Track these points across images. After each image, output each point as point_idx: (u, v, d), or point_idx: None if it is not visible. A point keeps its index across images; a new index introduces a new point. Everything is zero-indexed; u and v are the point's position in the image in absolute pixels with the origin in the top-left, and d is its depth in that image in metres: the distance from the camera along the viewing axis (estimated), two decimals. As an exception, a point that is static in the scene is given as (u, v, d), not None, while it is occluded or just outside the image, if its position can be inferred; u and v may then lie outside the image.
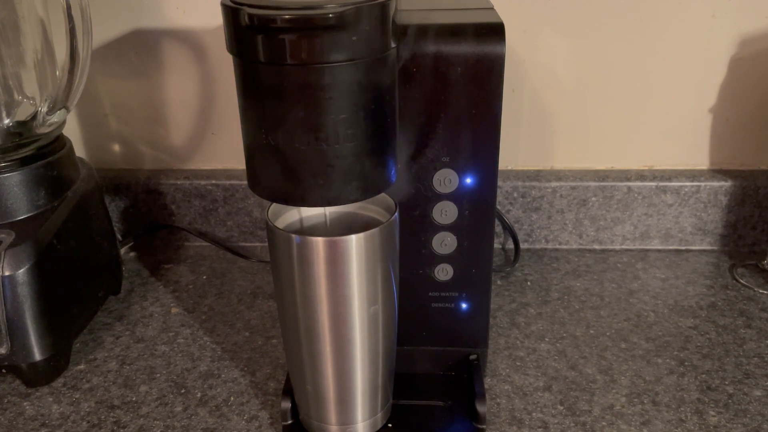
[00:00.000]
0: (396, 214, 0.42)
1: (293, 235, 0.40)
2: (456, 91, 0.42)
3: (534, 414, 0.51)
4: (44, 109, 0.57)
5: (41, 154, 0.57)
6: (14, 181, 0.54)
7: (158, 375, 0.57)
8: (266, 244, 0.77)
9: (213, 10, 0.69)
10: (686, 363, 0.56)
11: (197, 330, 0.62)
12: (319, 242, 0.39)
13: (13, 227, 0.54)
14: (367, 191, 0.39)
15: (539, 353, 0.58)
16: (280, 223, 0.44)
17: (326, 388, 0.45)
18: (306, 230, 0.46)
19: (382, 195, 0.44)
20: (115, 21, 0.70)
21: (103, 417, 0.52)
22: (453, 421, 0.49)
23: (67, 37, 0.54)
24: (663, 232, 0.74)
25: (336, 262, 0.40)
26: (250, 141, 0.39)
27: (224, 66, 0.72)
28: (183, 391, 0.55)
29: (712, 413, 0.51)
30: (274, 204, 0.43)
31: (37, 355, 0.53)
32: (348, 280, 0.41)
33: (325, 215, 0.46)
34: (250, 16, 0.33)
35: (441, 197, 0.46)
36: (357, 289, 0.41)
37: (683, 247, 0.74)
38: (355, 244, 0.40)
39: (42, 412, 0.53)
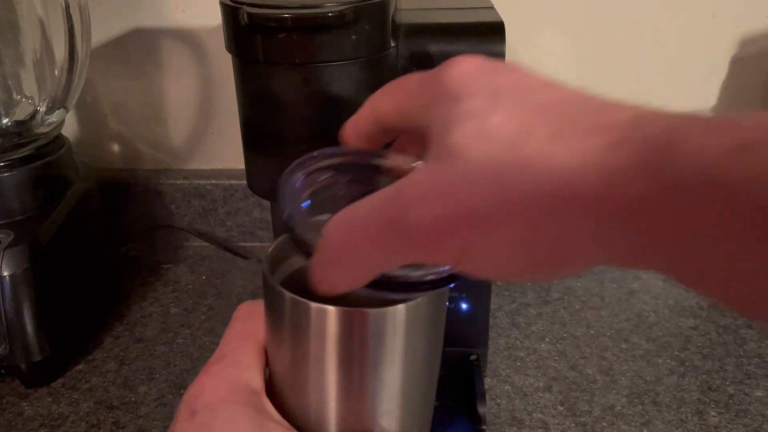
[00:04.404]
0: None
1: (303, 301, 0.26)
2: (456, 90, 0.42)
3: (534, 414, 0.51)
4: (43, 109, 0.57)
5: (40, 154, 0.56)
6: (13, 181, 0.54)
7: (157, 375, 0.56)
8: (266, 243, 0.77)
9: (212, 10, 0.69)
10: (687, 363, 0.56)
11: (197, 330, 0.62)
12: (330, 312, 0.25)
13: (11, 227, 0.54)
14: (366, 191, 0.39)
15: (539, 353, 0.58)
16: (279, 274, 0.30)
17: None
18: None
19: None
20: (114, 20, 0.70)
21: (102, 417, 0.52)
22: (453, 422, 0.49)
23: (65, 36, 0.53)
24: (663, 232, 0.73)
25: (347, 344, 0.26)
26: (249, 141, 0.39)
27: (224, 65, 0.72)
28: (182, 391, 0.54)
29: (713, 414, 0.51)
30: (275, 247, 0.30)
31: (36, 356, 0.53)
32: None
33: None
34: (249, 15, 0.33)
35: (441, 197, 0.46)
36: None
37: (684, 247, 0.74)
38: (378, 319, 0.25)
39: (41, 412, 0.52)
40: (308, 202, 0.27)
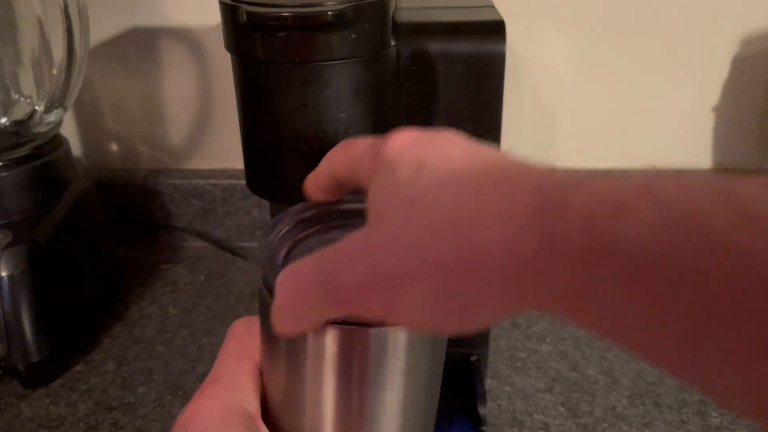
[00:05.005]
0: None
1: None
2: (456, 89, 0.42)
3: (535, 416, 0.51)
4: (41, 109, 0.57)
5: (38, 154, 0.56)
6: (11, 181, 0.54)
7: (156, 376, 0.56)
8: (265, 244, 0.77)
9: (211, 8, 0.69)
10: (688, 364, 0.56)
11: (196, 331, 0.62)
12: (329, 331, 0.24)
13: (10, 227, 0.53)
14: (366, 191, 0.39)
15: (540, 354, 0.58)
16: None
17: None
18: None
19: None
20: (112, 19, 0.70)
21: (100, 418, 0.52)
22: (453, 423, 0.49)
23: (64, 35, 0.53)
24: (664, 232, 0.73)
25: (344, 367, 0.25)
26: (248, 140, 0.39)
27: (223, 64, 0.71)
28: (181, 392, 0.54)
29: (714, 414, 0.50)
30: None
31: (35, 356, 0.53)
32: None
33: None
34: (249, 13, 0.33)
35: (441, 197, 0.46)
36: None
37: (684, 247, 0.74)
38: (379, 339, 0.24)
39: (39, 413, 0.52)
40: (287, 256, 0.28)
